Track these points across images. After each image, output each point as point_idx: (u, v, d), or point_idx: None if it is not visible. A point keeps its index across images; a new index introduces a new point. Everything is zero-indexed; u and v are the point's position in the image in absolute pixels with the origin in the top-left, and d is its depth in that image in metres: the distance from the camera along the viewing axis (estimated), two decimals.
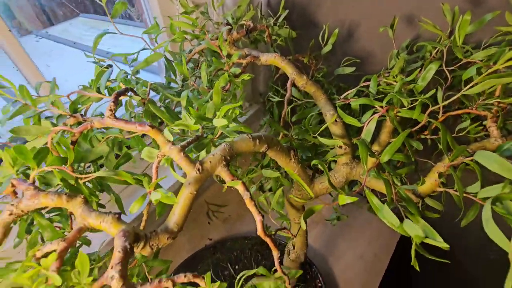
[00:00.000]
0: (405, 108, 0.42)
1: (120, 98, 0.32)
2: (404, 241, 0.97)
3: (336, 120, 0.47)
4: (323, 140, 0.44)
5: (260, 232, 0.29)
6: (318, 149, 0.53)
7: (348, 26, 0.72)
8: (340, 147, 0.47)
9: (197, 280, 0.24)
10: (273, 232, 0.30)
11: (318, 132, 0.45)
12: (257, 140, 0.34)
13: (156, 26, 0.45)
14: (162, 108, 0.40)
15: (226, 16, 0.57)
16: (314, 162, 0.37)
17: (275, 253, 0.30)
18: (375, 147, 0.48)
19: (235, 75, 0.45)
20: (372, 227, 0.98)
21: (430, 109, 0.38)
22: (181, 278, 0.24)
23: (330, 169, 0.52)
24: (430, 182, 0.40)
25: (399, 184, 0.42)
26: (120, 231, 0.25)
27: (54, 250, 0.24)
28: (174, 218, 0.28)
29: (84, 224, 0.26)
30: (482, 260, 0.88)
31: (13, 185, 0.27)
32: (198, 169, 0.28)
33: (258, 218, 0.29)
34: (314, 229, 0.97)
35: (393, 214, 0.34)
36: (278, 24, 0.60)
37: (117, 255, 0.23)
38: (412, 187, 0.39)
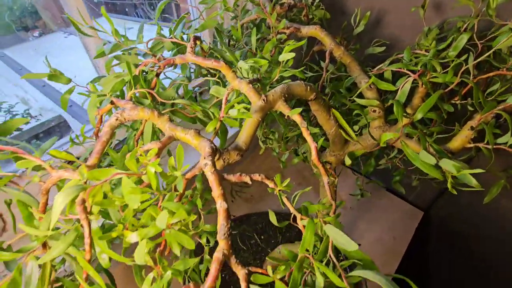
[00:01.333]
0: (438, 73, 0.46)
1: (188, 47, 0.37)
2: (423, 227, 0.99)
3: (370, 86, 0.51)
4: (359, 101, 0.48)
5: (314, 157, 0.33)
6: (351, 117, 0.57)
7: (377, 12, 0.77)
8: (374, 111, 0.51)
9: (268, 182, 0.29)
10: (324, 160, 0.34)
11: (355, 95, 0.50)
12: (308, 87, 0.39)
13: None
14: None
15: None
16: (356, 111, 0.41)
17: (325, 179, 0.34)
18: (408, 111, 0.52)
19: (280, 42, 0.50)
20: (391, 213, 1.00)
21: (464, 68, 0.42)
22: (256, 176, 0.28)
23: (361, 134, 0.56)
24: (461, 138, 0.44)
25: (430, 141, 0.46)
26: (203, 139, 0.29)
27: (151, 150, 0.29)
28: (242, 138, 0.32)
29: (172, 135, 0.30)
30: (503, 250, 0.89)
31: (112, 102, 0.32)
32: (264, 99, 0.33)
33: (313, 145, 0.33)
34: None
35: (430, 155, 0.37)
36: (314, 4, 0.65)
37: (207, 150, 0.27)
38: (443, 135, 0.43)
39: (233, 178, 0.28)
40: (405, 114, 0.47)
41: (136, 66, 0.36)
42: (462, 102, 0.48)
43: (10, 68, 1.88)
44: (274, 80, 0.37)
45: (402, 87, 0.47)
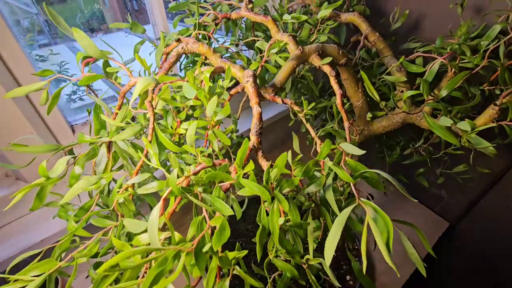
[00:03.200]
0: (467, 57, 0.49)
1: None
2: (447, 239, 0.95)
3: (400, 68, 0.55)
4: (387, 78, 0.52)
5: (338, 103, 0.38)
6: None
7: (416, 14, 0.80)
8: (402, 91, 0.55)
9: (295, 106, 0.34)
10: (346, 106, 0.39)
11: (385, 73, 0.54)
12: (341, 51, 0.44)
13: None
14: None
15: None
16: (383, 78, 0.45)
17: (346, 124, 0.39)
18: (436, 92, 0.54)
19: (321, 21, 0.56)
20: (414, 218, 0.98)
21: (492, 47, 0.44)
22: (287, 100, 0.34)
23: (387, 115, 0.59)
24: (485, 117, 0.46)
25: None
26: (247, 69, 0.36)
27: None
28: (279, 78, 0.39)
29: (221, 65, 0.37)
30: None
31: (178, 40, 0.40)
32: (300, 50, 0.39)
33: (338, 92, 0.38)
34: None
35: (448, 119, 0.40)
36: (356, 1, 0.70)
37: (249, 73, 0.34)
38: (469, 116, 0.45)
39: (267, 96, 0.34)
40: (432, 94, 0.50)
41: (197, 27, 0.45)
42: (490, 88, 0.50)
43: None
44: (312, 40, 0.43)
45: (430, 68, 0.50)
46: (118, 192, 0.31)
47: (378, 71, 0.62)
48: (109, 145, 0.37)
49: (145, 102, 0.33)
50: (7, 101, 0.57)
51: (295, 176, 0.28)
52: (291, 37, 0.39)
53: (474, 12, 0.69)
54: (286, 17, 0.40)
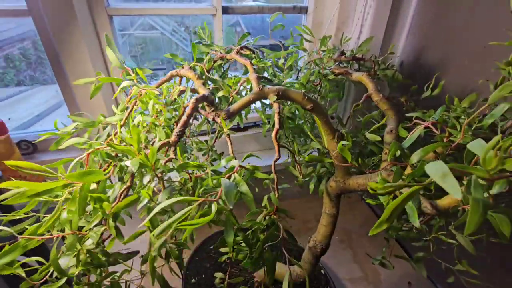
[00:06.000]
0: (455, 131, 0.44)
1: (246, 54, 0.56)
2: None
3: (391, 131, 0.53)
4: (368, 135, 0.52)
5: (273, 136, 0.43)
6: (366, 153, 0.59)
7: (454, 86, 0.73)
8: (386, 153, 0.52)
9: (223, 125, 0.42)
10: (282, 141, 0.43)
11: (369, 131, 0.53)
12: (306, 97, 0.49)
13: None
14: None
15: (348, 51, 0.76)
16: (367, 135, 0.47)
17: (276, 155, 0.43)
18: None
19: (323, 75, 0.62)
20: None
21: (467, 121, 0.40)
22: (217, 118, 0.42)
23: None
24: (451, 197, 0.40)
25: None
26: (207, 90, 0.46)
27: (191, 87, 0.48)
28: (234, 106, 0.47)
29: (197, 88, 0.49)
30: None
31: (183, 67, 0.55)
32: (259, 88, 0.47)
33: (276, 127, 0.43)
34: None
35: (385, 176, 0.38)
36: (388, 65, 0.72)
37: (202, 93, 0.44)
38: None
39: (203, 112, 0.43)
40: (402, 153, 0.47)
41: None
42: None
43: None
44: (283, 84, 0.51)
45: (411, 133, 0.47)
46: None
47: (366, 130, 0.60)
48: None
49: (135, 101, 0.48)
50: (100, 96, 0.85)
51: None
52: (256, 77, 0.48)
53: None
54: (255, 61, 0.49)
